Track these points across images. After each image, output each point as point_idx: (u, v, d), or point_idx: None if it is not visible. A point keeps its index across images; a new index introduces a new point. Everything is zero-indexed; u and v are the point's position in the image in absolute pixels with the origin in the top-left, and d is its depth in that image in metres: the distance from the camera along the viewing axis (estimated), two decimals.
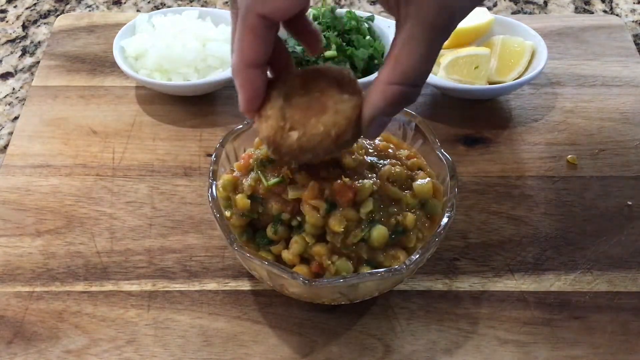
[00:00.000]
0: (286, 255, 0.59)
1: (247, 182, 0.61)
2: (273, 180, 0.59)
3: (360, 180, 0.58)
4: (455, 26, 0.47)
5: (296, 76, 0.54)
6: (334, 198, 0.58)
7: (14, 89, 0.89)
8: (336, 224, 0.57)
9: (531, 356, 0.61)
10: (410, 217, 0.59)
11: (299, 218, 0.59)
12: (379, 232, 0.58)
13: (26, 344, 0.62)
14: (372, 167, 0.61)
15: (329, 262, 0.58)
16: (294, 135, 0.52)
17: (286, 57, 0.56)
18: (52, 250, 0.69)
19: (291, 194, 0.58)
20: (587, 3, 1.03)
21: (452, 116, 0.83)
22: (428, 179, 0.62)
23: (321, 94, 0.53)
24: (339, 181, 0.58)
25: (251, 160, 0.62)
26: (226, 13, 0.89)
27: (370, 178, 0.59)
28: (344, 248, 0.58)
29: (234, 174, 0.63)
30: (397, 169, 0.61)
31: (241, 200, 0.60)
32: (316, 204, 0.57)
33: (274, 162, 0.60)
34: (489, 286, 0.66)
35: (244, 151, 0.66)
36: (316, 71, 0.55)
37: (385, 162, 0.62)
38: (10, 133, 0.82)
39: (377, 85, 0.49)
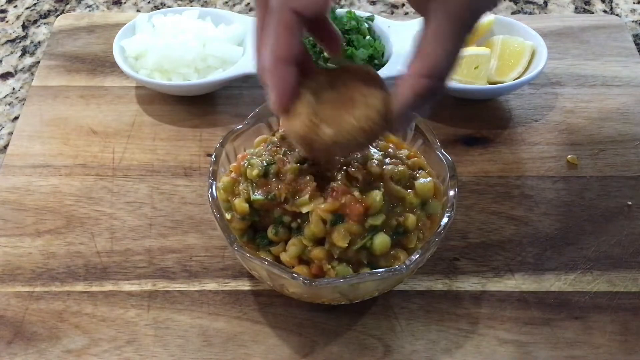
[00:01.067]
0: (284, 257, 0.59)
1: (242, 186, 0.61)
2: (258, 197, 0.59)
3: (371, 192, 0.57)
4: (478, 22, 0.49)
5: (322, 74, 0.54)
6: (343, 211, 0.57)
7: (14, 89, 0.89)
8: (340, 240, 0.57)
9: (531, 356, 0.61)
10: (411, 218, 0.59)
11: (299, 220, 0.59)
12: (381, 241, 0.57)
13: (26, 344, 0.62)
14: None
15: (329, 266, 0.58)
16: (328, 131, 0.52)
17: (308, 57, 0.57)
18: (52, 250, 0.69)
19: (305, 208, 0.57)
20: (587, 3, 1.03)
21: (452, 116, 0.83)
22: (429, 178, 0.62)
23: (349, 89, 0.53)
24: (349, 196, 0.57)
25: (242, 163, 0.61)
26: (226, 13, 0.89)
27: (378, 187, 0.59)
28: (343, 257, 0.58)
29: (231, 175, 0.63)
30: (400, 167, 0.61)
31: (239, 205, 0.60)
32: (325, 216, 0.57)
33: (265, 178, 0.59)
34: (489, 286, 0.67)
35: (244, 151, 0.66)
36: (341, 69, 0.55)
37: (387, 161, 0.62)
38: (10, 133, 0.82)
39: (406, 80, 0.50)
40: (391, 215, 0.59)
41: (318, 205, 0.57)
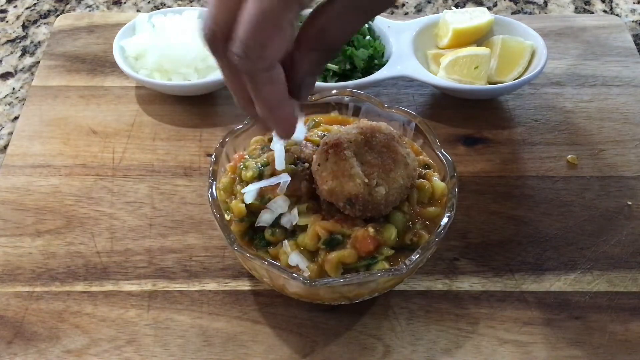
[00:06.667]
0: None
1: (238, 188, 0.61)
2: (253, 201, 0.59)
3: (388, 228, 0.58)
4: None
5: (357, 133, 0.58)
6: (343, 234, 0.57)
7: (14, 89, 0.89)
8: (332, 270, 0.57)
9: (531, 356, 0.61)
10: (424, 238, 0.59)
11: (294, 223, 0.59)
12: (379, 266, 0.57)
13: (26, 344, 0.62)
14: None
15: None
16: (382, 190, 0.56)
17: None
18: (52, 250, 0.69)
19: (302, 220, 0.58)
20: (587, 3, 1.03)
21: (452, 116, 0.83)
22: (436, 176, 0.63)
23: (385, 148, 0.58)
24: (360, 229, 0.57)
25: (239, 165, 0.61)
26: None
27: (402, 209, 0.59)
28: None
29: (229, 176, 0.63)
30: (424, 184, 0.61)
31: (236, 206, 0.59)
32: (322, 234, 0.57)
33: (260, 180, 0.59)
34: (489, 286, 0.66)
35: (244, 150, 0.66)
36: (370, 127, 0.59)
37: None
38: (10, 133, 0.82)
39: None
40: (407, 234, 0.59)
41: (317, 220, 0.57)
